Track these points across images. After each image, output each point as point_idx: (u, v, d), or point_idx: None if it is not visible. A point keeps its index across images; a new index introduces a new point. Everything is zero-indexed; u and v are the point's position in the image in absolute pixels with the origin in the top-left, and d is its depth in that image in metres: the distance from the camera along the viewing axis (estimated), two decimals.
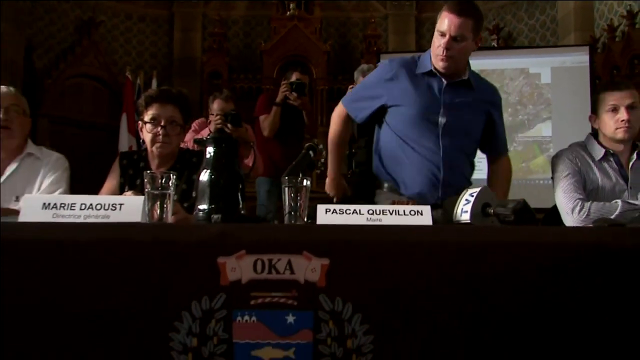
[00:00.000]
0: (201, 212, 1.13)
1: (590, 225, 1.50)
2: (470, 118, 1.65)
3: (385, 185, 1.67)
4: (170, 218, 1.07)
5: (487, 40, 5.00)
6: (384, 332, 0.86)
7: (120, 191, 1.59)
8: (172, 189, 1.06)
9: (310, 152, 1.41)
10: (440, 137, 1.60)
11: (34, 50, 4.65)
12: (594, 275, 0.88)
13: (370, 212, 1.03)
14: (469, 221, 1.16)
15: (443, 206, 1.31)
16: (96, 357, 0.85)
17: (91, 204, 0.97)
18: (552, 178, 1.75)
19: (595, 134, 1.77)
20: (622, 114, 1.64)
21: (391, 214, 1.03)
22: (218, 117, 2.59)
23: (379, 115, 1.69)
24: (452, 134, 1.60)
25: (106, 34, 5.20)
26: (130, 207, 0.97)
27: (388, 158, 1.68)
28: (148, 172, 1.08)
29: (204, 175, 1.15)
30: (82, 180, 1.90)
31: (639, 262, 0.87)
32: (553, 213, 1.74)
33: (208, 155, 1.17)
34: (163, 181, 1.05)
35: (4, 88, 1.74)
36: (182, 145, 1.77)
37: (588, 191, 1.67)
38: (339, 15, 5.60)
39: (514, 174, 1.82)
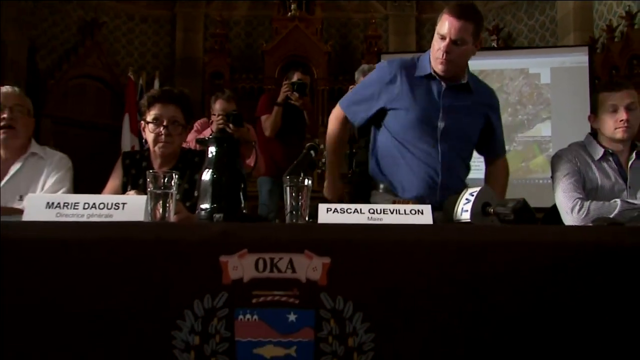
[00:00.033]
0: (203, 212, 1.14)
1: (590, 225, 1.50)
2: (469, 122, 1.64)
3: (381, 186, 1.67)
4: (172, 217, 1.08)
5: (487, 41, 5.00)
6: (384, 330, 0.86)
7: (123, 191, 1.60)
8: (174, 188, 1.07)
9: (312, 152, 1.42)
10: (438, 140, 1.59)
11: (37, 51, 4.67)
12: (593, 273, 0.88)
13: (371, 211, 1.04)
14: (469, 220, 1.17)
15: (443, 206, 1.31)
16: (99, 355, 0.85)
17: (94, 204, 0.97)
18: (552, 177, 1.75)
19: (594, 133, 1.77)
20: (621, 114, 1.64)
21: (392, 213, 1.03)
22: (220, 117, 2.60)
23: (377, 118, 1.67)
24: (450, 138, 1.60)
25: (109, 34, 5.21)
26: (133, 207, 0.98)
27: (385, 160, 1.67)
28: (150, 171, 1.08)
29: (206, 175, 1.16)
30: (85, 180, 1.91)
31: (637, 260, 0.88)
32: (553, 212, 1.74)
33: (210, 155, 1.18)
34: (165, 181, 1.05)
35: (8, 88, 1.75)
36: (184, 145, 1.77)
37: (587, 191, 1.67)
38: (340, 16, 5.60)
39: (513, 174, 1.82)
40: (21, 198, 1.64)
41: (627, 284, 0.88)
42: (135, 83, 4.94)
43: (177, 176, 1.08)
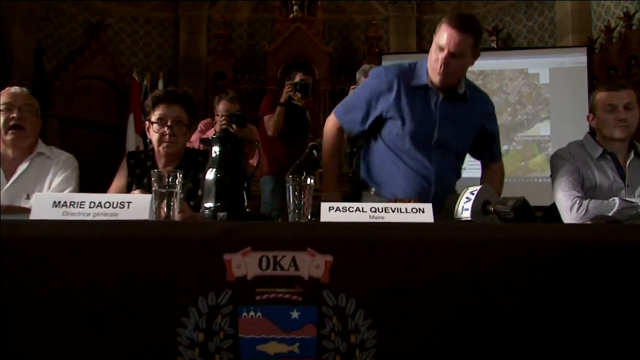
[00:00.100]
0: (207, 210, 1.15)
1: (589, 223, 1.51)
2: (464, 132, 1.64)
3: (373, 190, 1.66)
4: (177, 216, 1.08)
5: (486, 42, 4.99)
6: (386, 327, 0.87)
7: (128, 190, 1.61)
8: (178, 187, 1.07)
9: (314, 152, 1.42)
10: (433, 151, 1.58)
11: (44, 53, 4.69)
12: (592, 271, 0.89)
13: (373, 209, 1.04)
14: (469, 219, 1.18)
15: (443, 205, 1.32)
16: (104, 352, 0.86)
17: (100, 202, 0.98)
18: (551, 176, 1.76)
19: (593, 133, 1.78)
20: (620, 114, 1.65)
21: (393, 211, 1.04)
22: (223, 117, 2.61)
23: (372, 126, 1.65)
24: (444, 149, 1.59)
25: (114, 36, 5.24)
26: (138, 205, 0.98)
27: (378, 169, 1.65)
28: (155, 171, 1.09)
29: (210, 174, 1.17)
30: (91, 179, 1.92)
31: (635, 258, 0.88)
32: (552, 211, 1.75)
33: (214, 154, 1.18)
34: (170, 180, 1.06)
35: (17, 88, 1.77)
36: (188, 145, 1.79)
37: (586, 189, 1.68)
38: (341, 18, 5.61)
39: (513, 173, 1.83)
40: (28, 197, 1.66)
41: (626, 281, 0.88)
42: (139, 84, 4.96)
43: (181, 175, 1.08)
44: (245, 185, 1.19)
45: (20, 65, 4.31)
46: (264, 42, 5.30)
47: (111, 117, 5.05)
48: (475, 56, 1.56)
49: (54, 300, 0.86)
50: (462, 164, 1.71)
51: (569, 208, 1.62)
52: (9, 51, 4.21)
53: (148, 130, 1.66)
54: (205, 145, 1.24)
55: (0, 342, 0.85)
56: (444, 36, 1.49)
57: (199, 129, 2.84)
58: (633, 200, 1.60)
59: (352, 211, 1.04)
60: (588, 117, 1.78)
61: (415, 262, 0.88)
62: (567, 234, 0.96)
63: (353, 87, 2.70)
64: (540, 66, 4.34)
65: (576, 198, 1.62)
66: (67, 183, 1.74)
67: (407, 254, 0.89)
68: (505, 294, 0.88)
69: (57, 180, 1.74)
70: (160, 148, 1.61)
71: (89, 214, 0.97)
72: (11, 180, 1.72)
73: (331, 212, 1.04)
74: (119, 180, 1.66)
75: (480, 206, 1.19)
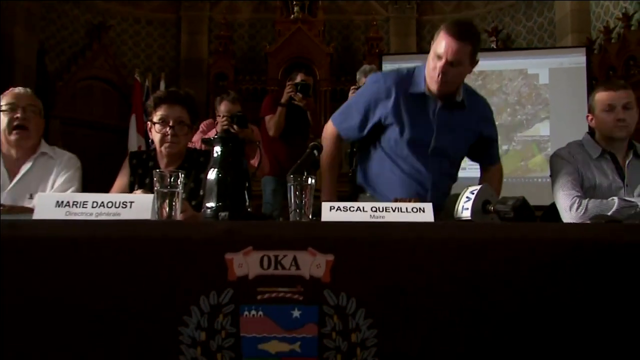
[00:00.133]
0: (209, 210, 1.15)
1: (588, 222, 1.51)
2: (462, 140, 1.64)
3: (368, 194, 1.66)
4: (178, 216, 1.09)
5: (486, 42, 5.00)
6: (387, 326, 0.87)
7: (130, 190, 1.61)
8: (180, 187, 1.08)
9: (315, 152, 1.43)
10: (429, 158, 1.58)
11: (47, 54, 4.71)
12: (591, 270, 0.89)
13: (374, 209, 1.04)
14: (469, 218, 1.18)
15: (443, 205, 1.32)
16: (107, 351, 0.86)
17: (102, 202, 0.98)
18: (551, 176, 1.76)
19: (592, 133, 1.78)
20: (618, 113, 1.66)
21: (394, 211, 1.04)
22: (225, 118, 2.62)
23: (370, 133, 1.64)
24: (441, 156, 1.59)
25: (116, 37, 5.26)
26: (140, 205, 0.98)
27: (375, 175, 1.65)
28: (157, 171, 1.09)
29: (212, 174, 1.17)
30: (93, 180, 1.93)
31: (635, 257, 0.89)
32: (551, 210, 1.75)
33: (215, 155, 1.19)
34: (172, 180, 1.06)
35: (21, 89, 1.78)
36: (190, 145, 1.79)
37: (585, 189, 1.68)
38: (342, 18, 5.62)
39: (513, 173, 1.83)
40: (31, 197, 1.67)
41: (625, 281, 0.88)
42: (141, 84, 4.98)
43: (183, 175, 1.09)
44: (247, 185, 1.20)
45: (23, 65, 4.33)
46: (265, 42, 5.31)
47: (113, 118, 5.06)
48: (473, 64, 1.54)
49: (57, 299, 0.86)
50: (457, 169, 1.71)
51: (569, 207, 1.62)
52: (12, 51, 4.22)
53: (150, 131, 1.67)
54: (207, 145, 1.24)
55: (2, 342, 0.85)
56: (442, 44, 1.48)
57: (200, 129, 2.85)
58: (632, 199, 1.60)
59: (353, 211, 1.04)
60: (587, 117, 1.78)
61: (415, 261, 0.89)
62: (566, 234, 0.96)
63: (353, 87, 2.71)
64: (539, 66, 4.35)
65: (575, 198, 1.63)
66: (70, 183, 1.75)
67: (407, 253, 0.89)
68: (505, 293, 0.88)
69: (60, 180, 1.74)
70: (162, 148, 1.62)
71: (91, 214, 0.97)
72: (14, 180, 1.73)
73: (332, 212, 1.04)
74: (121, 180, 1.66)
75: (480, 206, 1.19)
